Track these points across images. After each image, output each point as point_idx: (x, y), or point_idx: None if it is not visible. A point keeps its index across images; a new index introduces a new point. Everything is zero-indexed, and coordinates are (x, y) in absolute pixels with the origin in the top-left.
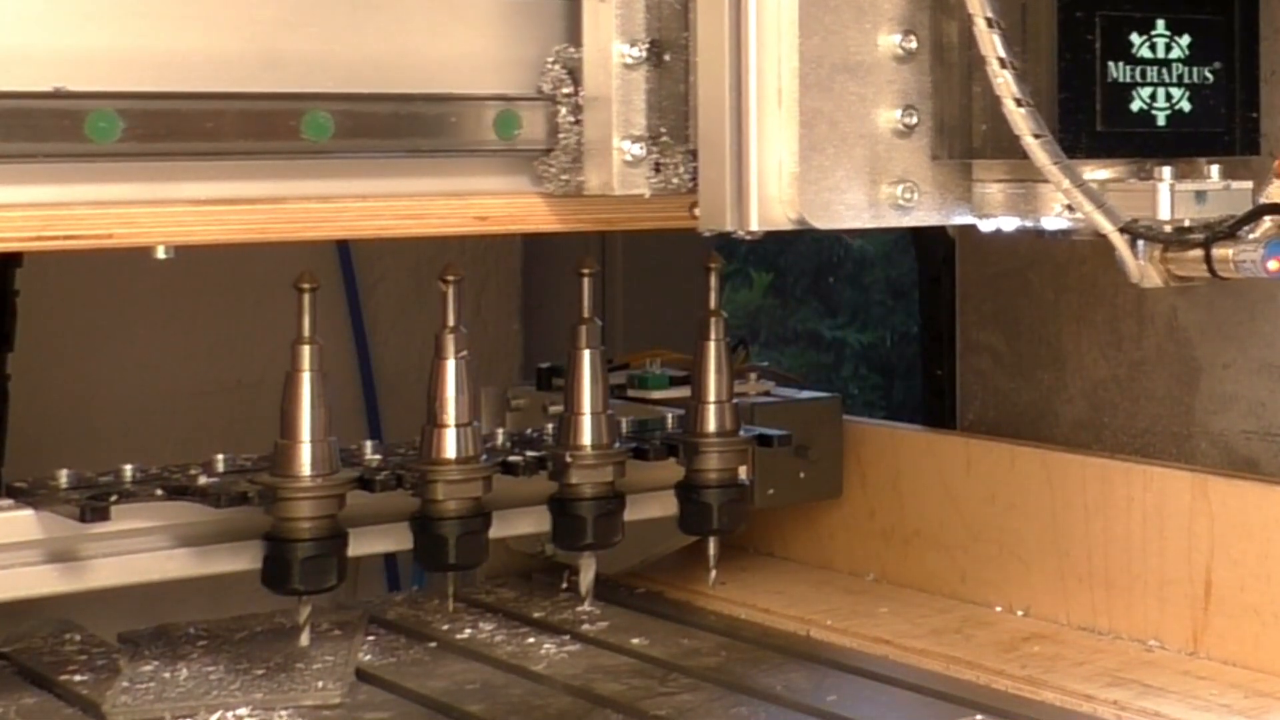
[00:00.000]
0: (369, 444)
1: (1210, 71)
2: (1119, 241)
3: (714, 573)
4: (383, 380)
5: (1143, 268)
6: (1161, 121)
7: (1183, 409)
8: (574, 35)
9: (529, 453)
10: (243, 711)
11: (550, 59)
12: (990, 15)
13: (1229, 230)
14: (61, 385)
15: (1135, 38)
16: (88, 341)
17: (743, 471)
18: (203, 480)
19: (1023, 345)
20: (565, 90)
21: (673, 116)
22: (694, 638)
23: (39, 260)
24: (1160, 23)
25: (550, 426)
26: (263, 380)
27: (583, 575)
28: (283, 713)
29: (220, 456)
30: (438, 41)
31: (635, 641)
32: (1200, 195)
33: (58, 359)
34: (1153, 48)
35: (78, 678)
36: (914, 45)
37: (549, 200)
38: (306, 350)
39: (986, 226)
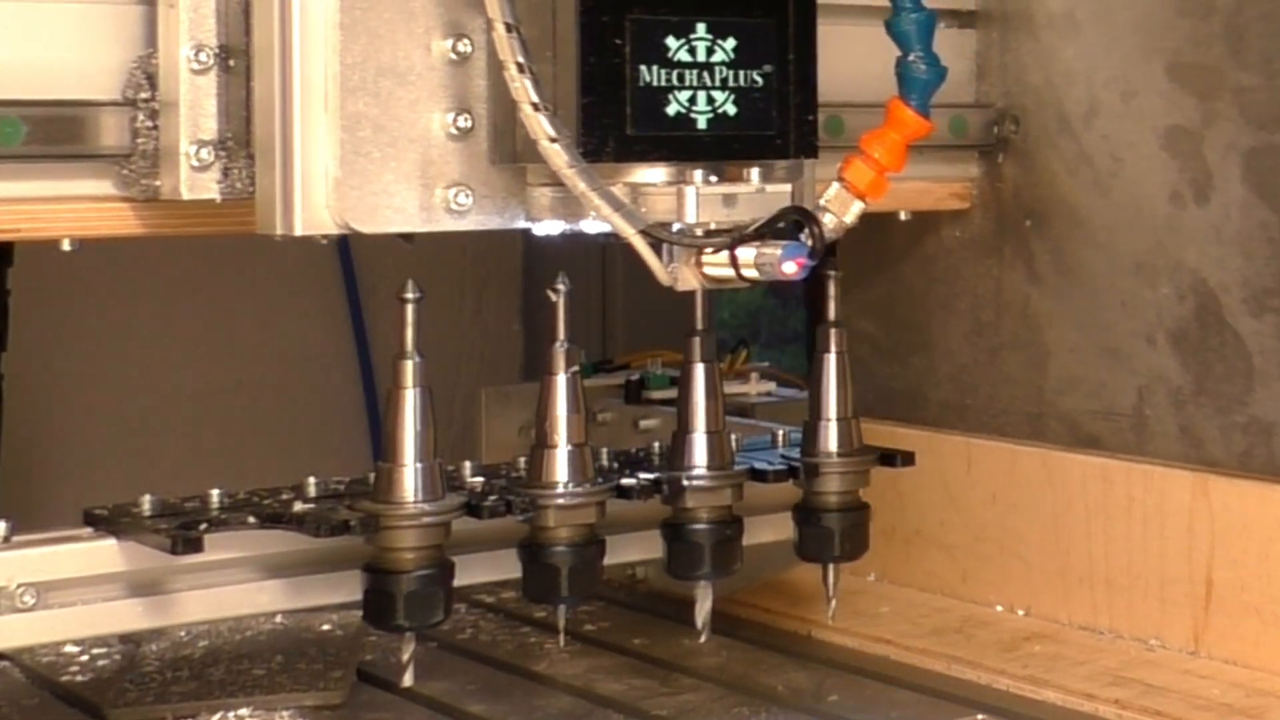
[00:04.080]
0: (467, 464)
1: (760, 75)
2: (640, 245)
3: (834, 603)
4: (384, 383)
5: (675, 270)
6: (703, 125)
7: (1035, 390)
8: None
9: (642, 475)
10: (244, 712)
11: (134, 64)
12: (509, 20)
13: (754, 233)
14: (60, 386)
15: (672, 41)
16: (86, 342)
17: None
18: (298, 507)
19: (897, 333)
20: (143, 95)
21: (237, 122)
22: (695, 638)
23: (35, 261)
24: (701, 26)
25: (658, 445)
26: (263, 381)
27: (699, 606)
28: (284, 713)
29: (311, 480)
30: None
31: (636, 642)
32: (729, 199)
33: (55, 360)
34: (692, 51)
35: (79, 678)
36: (468, 49)
37: (134, 205)
38: (409, 365)
39: (539, 230)
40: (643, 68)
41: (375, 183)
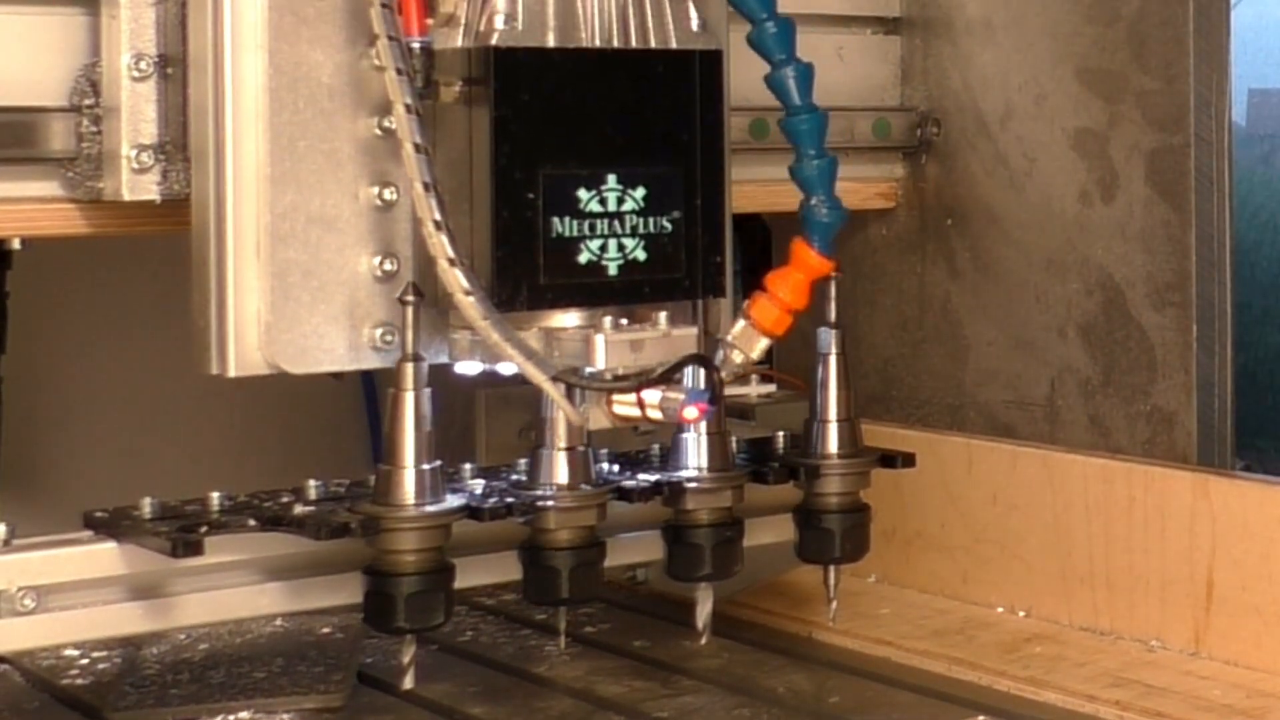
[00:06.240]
0: (468, 466)
1: (669, 220)
2: (552, 390)
3: (835, 604)
4: (384, 385)
5: (587, 410)
6: (613, 271)
7: (955, 383)
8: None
9: (642, 477)
10: (244, 715)
11: (79, 72)
12: (427, 180)
13: (657, 379)
14: (59, 389)
15: (583, 193)
16: (85, 344)
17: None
18: (298, 509)
19: None
20: (88, 102)
21: (175, 127)
22: (695, 639)
23: (33, 262)
24: (612, 178)
25: (658, 447)
26: (263, 383)
27: (700, 607)
28: (284, 716)
29: (311, 482)
30: None
31: (637, 644)
32: (637, 345)
33: (55, 362)
34: (603, 202)
35: (79, 682)
36: (394, 196)
37: (79, 206)
38: (410, 368)
39: (461, 369)
40: (555, 219)
41: (305, 324)
